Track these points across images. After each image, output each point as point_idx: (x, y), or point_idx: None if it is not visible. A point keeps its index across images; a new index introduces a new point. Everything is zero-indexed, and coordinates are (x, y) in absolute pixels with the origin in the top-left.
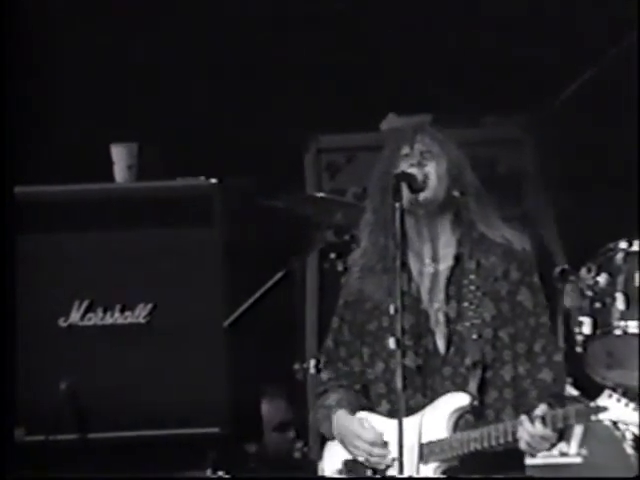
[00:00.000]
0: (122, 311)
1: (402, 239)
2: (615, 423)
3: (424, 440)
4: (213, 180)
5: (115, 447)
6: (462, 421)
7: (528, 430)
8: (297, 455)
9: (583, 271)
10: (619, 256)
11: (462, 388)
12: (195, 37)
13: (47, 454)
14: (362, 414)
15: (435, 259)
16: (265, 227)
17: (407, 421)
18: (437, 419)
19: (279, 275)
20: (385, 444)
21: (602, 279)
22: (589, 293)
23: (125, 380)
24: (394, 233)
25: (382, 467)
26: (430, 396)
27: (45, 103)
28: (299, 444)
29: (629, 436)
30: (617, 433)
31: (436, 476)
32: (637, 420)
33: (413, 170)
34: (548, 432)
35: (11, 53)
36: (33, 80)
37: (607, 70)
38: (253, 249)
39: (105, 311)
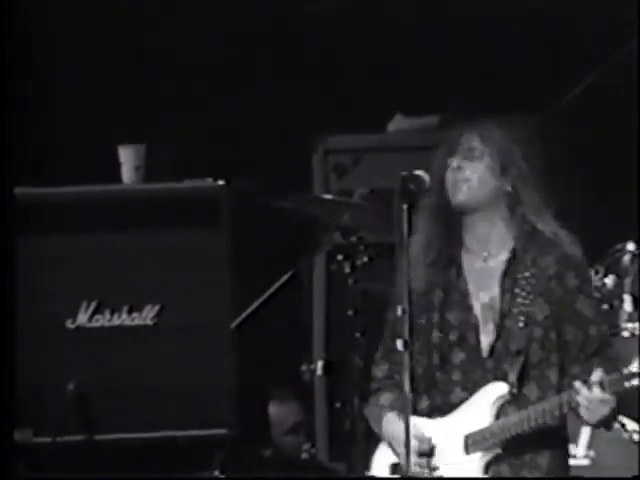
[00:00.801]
0: (129, 312)
1: (417, 238)
2: (623, 425)
3: (467, 432)
4: (220, 181)
5: (122, 448)
6: (504, 410)
7: (586, 396)
8: (305, 456)
9: (591, 272)
10: (627, 258)
11: (503, 379)
12: (201, 37)
13: (54, 455)
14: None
15: (487, 254)
16: (272, 228)
17: (450, 417)
18: (478, 410)
19: (286, 277)
20: (430, 454)
21: (609, 281)
22: (596, 294)
23: (132, 381)
24: (402, 232)
25: (423, 475)
26: (471, 391)
27: (46, 103)
28: (306, 445)
29: (637, 438)
30: (625, 435)
31: (478, 468)
32: None
33: (454, 175)
34: (607, 396)
35: (11, 53)
36: (33, 80)
37: (609, 73)
38: (260, 250)
39: (112, 312)
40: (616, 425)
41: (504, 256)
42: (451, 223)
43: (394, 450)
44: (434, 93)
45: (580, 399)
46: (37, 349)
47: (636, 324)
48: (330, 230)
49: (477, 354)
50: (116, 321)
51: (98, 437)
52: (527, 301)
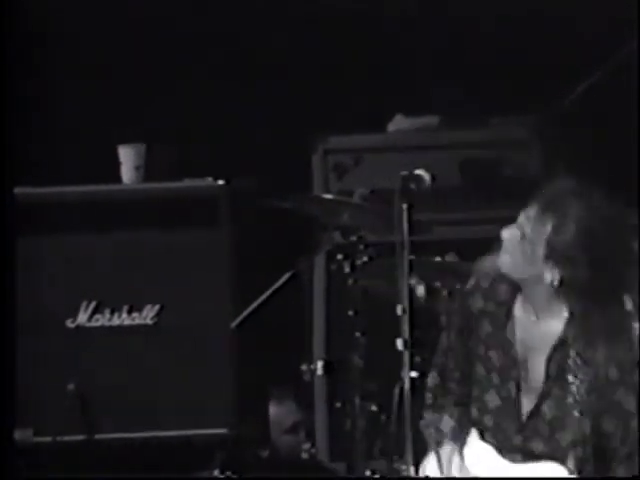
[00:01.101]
0: (129, 312)
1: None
2: None
3: None
4: (220, 181)
5: (122, 448)
6: None
7: None
8: (305, 456)
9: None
10: None
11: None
12: (200, 36)
13: (55, 455)
14: (474, 448)
15: (539, 320)
16: (272, 228)
17: (501, 464)
18: None
19: (286, 276)
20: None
21: None
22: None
23: (133, 381)
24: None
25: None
26: (498, 439)
27: (46, 103)
28: (307, 445)
29: None
30: None
31: None
32: None
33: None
34: None
35: (11, 53)
36: (33, 80)
37: (610, 74)
38: (260, 250)
39: (112, 312)
40: None
41: (552, 338)
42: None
43: (442, 471)
44: (434, 93)
45: None
46: (37, 349)
47: (636, 324)
48: (330, 230)
49: (509, 407)
50: (116, 321)
51: (98, 437)
52: (579, 389)
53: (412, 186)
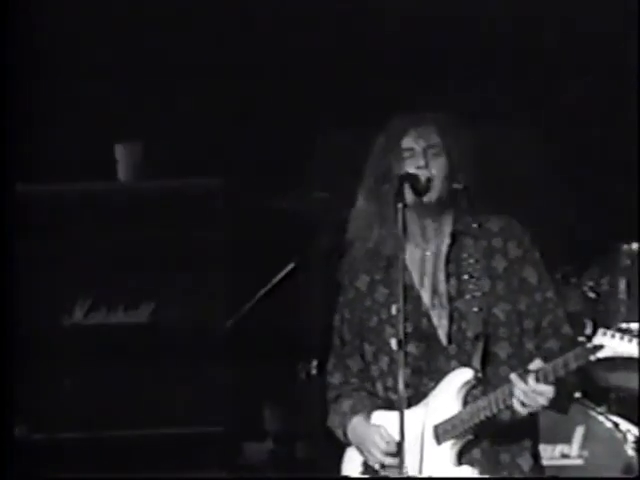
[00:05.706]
0: (125, 310)
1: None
2: (617, 425)
3: (437, 422)
4: (217, 179)
5: (118, 446)
6: (471, 395)
7: (522, 388)
8: (299, 455)
9: (586, 273)
10: (623, 257)
11: (467, 364)
12: (199, 36)
13: (50, 452)
14: (378, 418)
15: (429, 243)
16: (269, 227)
17: (417, 408)
18: (446, 398)
19: (282, 274)
20: (399, 453)
21: (605, 280)
22: (591, 295)
23: (128, 379)
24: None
25: (395, 475)
26: (437, 379)
27: (45, 101)
28: (301, 443)
29: (630, 438)
30: (618, 435)
31: (450, 457)
32: (636, 351)
33: (419, 172)
34: (542, 387)
35: (11, 53)
36: (32, 79)
37: (609, 70)
38: (257, 249)
39: (108, 310)
40: (608, 424)
41: (447, 240)
42: (405, 227)
43: (362, 453)
44: (432, 91)
45: (516, 391)
46: (33, 346)
47: (631, 325)
48: (327, 228)
49: (436, 343)
50: (112, 319)
51: (94, 434)
52: (473, 279)
53: (407, 185)
